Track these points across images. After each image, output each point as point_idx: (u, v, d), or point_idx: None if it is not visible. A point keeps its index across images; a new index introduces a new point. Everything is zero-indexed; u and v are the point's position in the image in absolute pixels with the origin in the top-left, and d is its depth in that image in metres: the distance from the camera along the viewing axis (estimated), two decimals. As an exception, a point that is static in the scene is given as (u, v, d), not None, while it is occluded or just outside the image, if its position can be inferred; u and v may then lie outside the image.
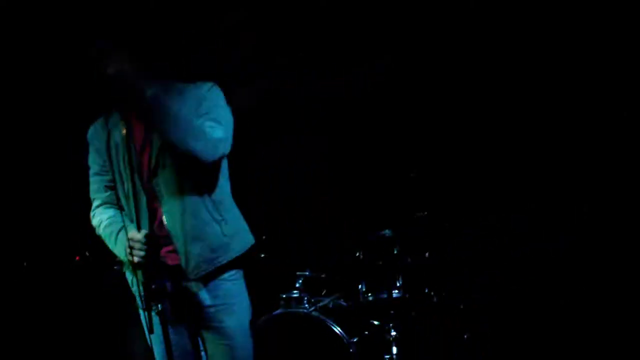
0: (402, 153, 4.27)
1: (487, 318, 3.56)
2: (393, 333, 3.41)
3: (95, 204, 2.55)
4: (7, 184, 4.24)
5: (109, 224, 2.44)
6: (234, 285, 2.49)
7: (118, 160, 2.41)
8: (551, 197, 3.83)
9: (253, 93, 4.21)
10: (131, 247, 2.27)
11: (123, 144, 2.36)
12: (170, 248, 2.40)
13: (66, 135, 4.16)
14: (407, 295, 3.47)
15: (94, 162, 2.51)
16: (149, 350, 2.49)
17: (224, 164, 2.50)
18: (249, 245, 2.55)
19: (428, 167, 4.18)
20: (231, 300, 2.47)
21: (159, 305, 2.28)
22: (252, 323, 2.56)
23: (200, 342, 2.54)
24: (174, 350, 2.37)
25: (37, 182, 4.32)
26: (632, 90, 3.64)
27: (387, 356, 3.39)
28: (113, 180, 2.46)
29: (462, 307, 3.50)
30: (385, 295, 3.48)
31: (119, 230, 2.39)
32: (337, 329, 3.33)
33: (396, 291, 3.49)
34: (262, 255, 3.87)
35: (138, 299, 2.46)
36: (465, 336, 3.46)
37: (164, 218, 2.38)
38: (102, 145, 2.46)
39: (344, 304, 3.62)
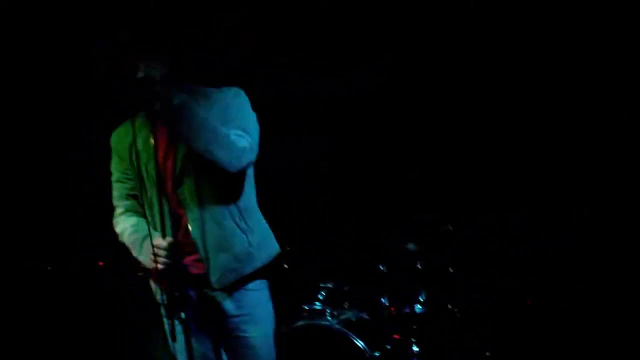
0: (402, 153, 4.27)
1: (487, 318, 3.56)
2: (415, 348, 3.40)
3: (118, 211, 2.52)
4: (28, 185, 4.24)
5: (134, 232, 2.41)
6: (258, 295, 2.46)
7: (141, 167, 2.37)
8: (551, 197, 3.83)
9: (253, 93, 4.21)
10: (156, 255, 2.24)
11: (147, 151, 2.33)
12: (195, 257, 2.36)
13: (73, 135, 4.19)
14: (430, 311, 3.46)
15: (117, 168, 2.48)
16: (172, 358, 2.47)
17: (250, 171, 2.46)
18: (274, 255, 2.51)
19: (428, 167, 4.18)
20: (255, 310, 2.44)
21: (182, 314, 2.26)
22: (275, 333, 2.54)
23: (223, 351, 2.51)
24: (196, 359, 2.34)
25: (60, 183, 4.31)
26: (632, 90, 3.64)
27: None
28: (136, 188, 2.43)
29: (485, 324, 3.50)
30: (408, 310, 3.48)
31: (144, 238, 2.35)
32: (359, 343, 3.30)
33: (419, 306, 3.48)
34: (285, 266, 3.86)
35: (161, 306, 2.44)
36: (488, 354, 3.46)
37: (189, 226, 2.34)
38: (125, 151, 2.42)
39: (367, 317, 3.60)
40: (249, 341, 2.43)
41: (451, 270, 3.58)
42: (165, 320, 2.43)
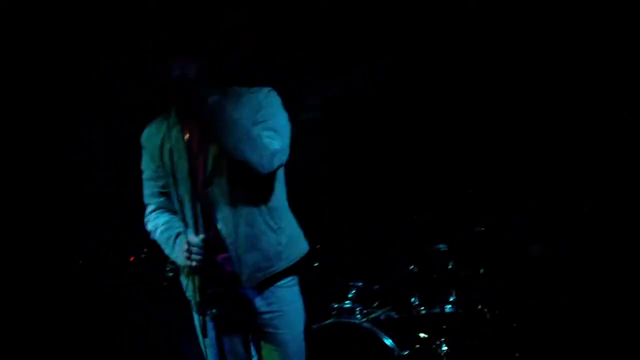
0: (402, 153, 4.27)
1: (486, 318, 3.56)
2: (444, 348, 3.40)
3: (149, 209, 2.52)
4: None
5: (166, 229, 2.42)
6: (288, 292, 2.45)
7: (172, 165, 2.37)
8: (551, 197, 3.83)
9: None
10: (189, 252, 2.25)
11: (178, 149, 2.33)
12: (226, 255, 2.36)
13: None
14: (460, 311, 3.46)
15: (147, 166, 2.48)
16: (201, 355, 2.48)
17: (281, 172, 2.44)
18: (303, 253, 2.50)
19: (428, 167, 4.18)
20: (286, 307, 2.43)
21: (214, 311, 2.28)
22: (305, 331, 2.53)
23: (253, 348, 2.51)
24: (227, 356, 2.36)
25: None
26: (632, 90, 3.64)
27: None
28: (167, 185, 2.43)
29: (515, 325, 3.51)
30: (437, 310, 3.48)
31: (177, 235, 2.36)
32: (389, 342, 3.31)
33: (449, 306, 3.48)
34: (315, 264, 3.86)
35: (193, 303, 2.44)
36: (517, 355, 3.47)
37: (218, 225, 2.34)
38: (155, 149, 2.42)
39: (396, 316, 3.60)
40: (279, 338, 2.42)
41: (482, 271, 3.58)
42: (196, 316, 2.45)
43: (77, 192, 4.28)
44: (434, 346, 3.43)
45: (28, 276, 4.17)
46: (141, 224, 2.54)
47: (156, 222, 2.47)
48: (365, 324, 3.40)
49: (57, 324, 4.13)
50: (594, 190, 3.73)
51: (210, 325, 2.31)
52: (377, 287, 3.69)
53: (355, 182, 4.34)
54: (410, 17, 3.99)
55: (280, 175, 2.45)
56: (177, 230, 2.38)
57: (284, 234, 2.41)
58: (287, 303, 2.44)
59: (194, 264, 2.25)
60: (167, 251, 2.43)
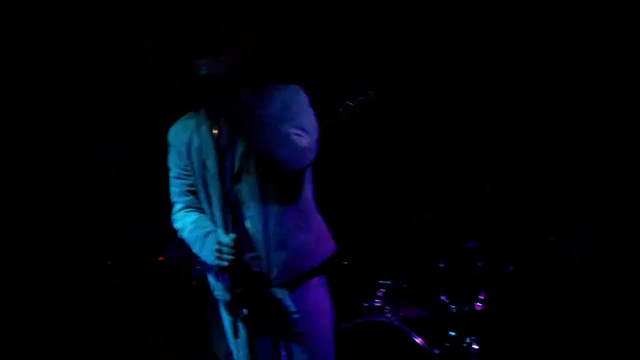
0: (402, 153, 4.27)
1: (486, 318, 3.56)
2: (475, 346, 3.41)
3: (176, 207, 2.50)
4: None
5: (195, 228, 2.40)
6: (317, 291, 2.44)
7: (200, 163, 2.35)
8: (551, 197, 3.83)
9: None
10: (220, 252, 2.23)
11: (207, 146, 2.32)
12: (254, 254, 2.35)
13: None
14: (489, 309, 3.47)
15: (175, 164, 2.45)
16: (231, 354, 2.48)
17: (309, 170, 2.43)
18: (331, 253, 2.49)
19: (428, 167, 4.18)
20: (314, 306, 2.42)
21: (244, 310, 2.27)
22: (335, 330, 2.52)
23: (282, 348, 2.49)
24: (257, 355, 2.34)
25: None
26: (632, 90, 3.64)
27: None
28: (195, 183, 2.41)
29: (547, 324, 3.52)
30: (467, 308, 3.49)
31: (206, 234, 2.35)
32: (419, 340, 3.32)
33: (479, 304, 3.48)
34: (344, 263, 3.85)
35: (222, 303, 2.44)
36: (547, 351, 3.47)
37: (247, 224, 2.32)
38: (183, 147, 2.40)
39: (426, 314, 3.61)
40: (308, 337, 2.40)
41: (511, 269, 3.58)
42: (225, 316, 2.44)
43: (77, 192, 4.28)
44: (464, 344, 3.44)
45: (28, 276, 4.16)
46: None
47: (184, 221, 2.44)
48: (395, 323, 3.41)
49: (57, 324, 4.13)
50: (594, 190, 3.73)
51: (240, 325, 2.31)
52: (406, 285, 3.69)
53: (355, 182, 4.34)
54: (410, 17, 3.99)
55: (308, 174, 2.44)
56: (206, 230, 2.36)
57: (311, 232, 2.40)
58: (315, 302, 2.43)
59: (225, 263, 2.23)
60: (195, 250, 2.41)
